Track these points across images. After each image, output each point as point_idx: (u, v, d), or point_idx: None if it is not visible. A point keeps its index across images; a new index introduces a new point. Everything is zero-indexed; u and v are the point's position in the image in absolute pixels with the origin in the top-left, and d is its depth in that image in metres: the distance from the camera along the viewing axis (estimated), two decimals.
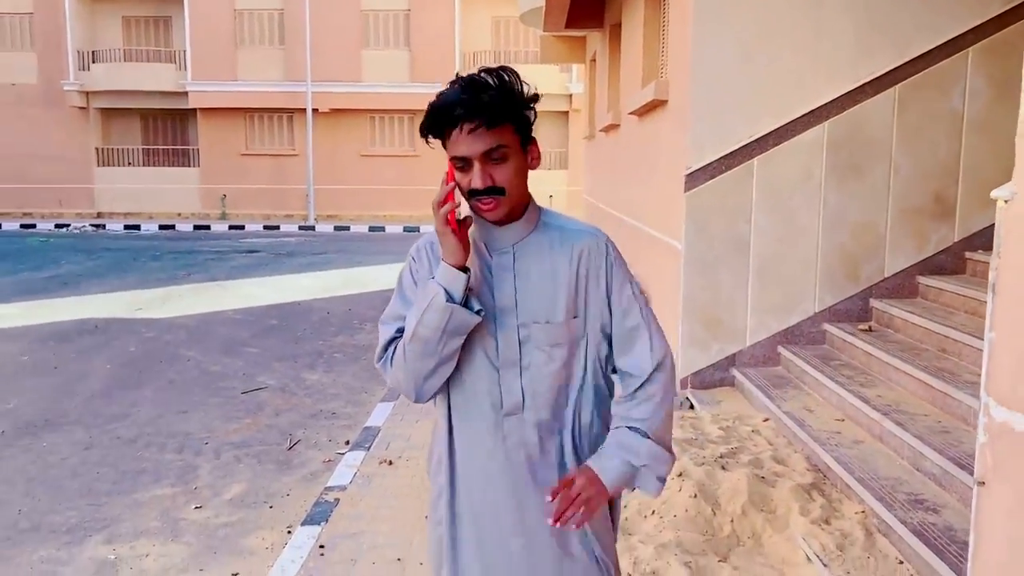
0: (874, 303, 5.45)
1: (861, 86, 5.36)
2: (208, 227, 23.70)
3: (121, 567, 3.80)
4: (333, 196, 25.92)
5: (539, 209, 1.80)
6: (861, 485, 3.60)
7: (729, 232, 5.38)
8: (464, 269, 1.66)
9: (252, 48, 25.76)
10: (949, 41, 5.27)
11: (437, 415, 1.83)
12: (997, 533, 1.89)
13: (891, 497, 3.45)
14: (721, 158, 5.31)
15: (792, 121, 5.34)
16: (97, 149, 26.58)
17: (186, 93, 25.55)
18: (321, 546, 3.72)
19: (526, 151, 1.71)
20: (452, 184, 1.66)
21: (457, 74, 1.70)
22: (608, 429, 1.83)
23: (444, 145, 1.68)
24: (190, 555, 3.91)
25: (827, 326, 5.45)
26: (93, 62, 25.98)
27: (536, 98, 1.71)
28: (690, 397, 5.43)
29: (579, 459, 1.80)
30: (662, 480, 1.79)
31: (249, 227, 23.56)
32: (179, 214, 26.17)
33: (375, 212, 26.02)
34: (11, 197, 26.18)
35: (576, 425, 1.80)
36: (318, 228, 23.54)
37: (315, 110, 24.87)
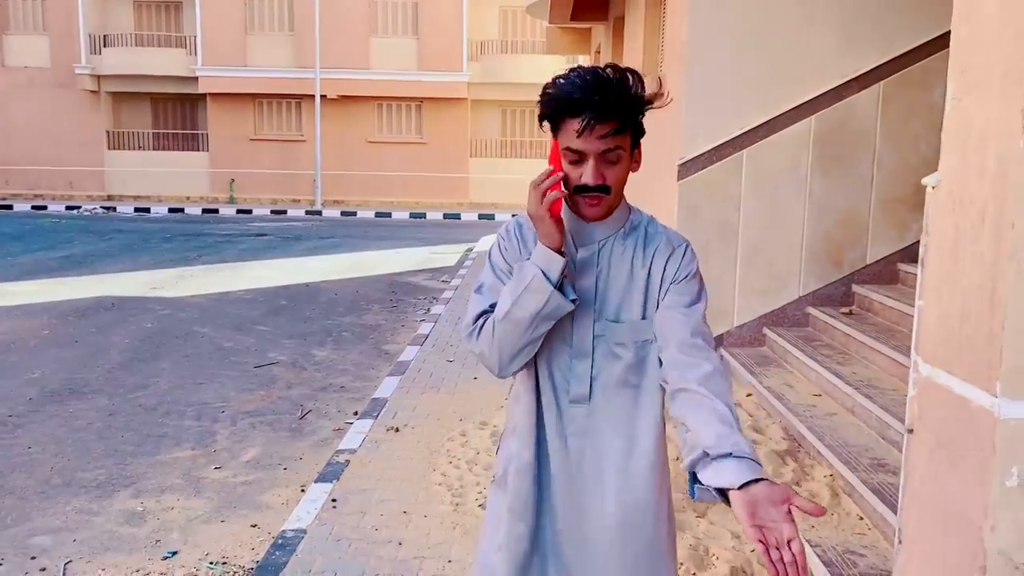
0: (856, 288, 5.75)
1: (847, 82, 5.65)
2: (216, 211, 24.02)
3: (148, 518, 4.12)
4: (340, 182, 26.22)
5: (630, 210, 1.81)
6: (831, 452, 3.91)
7: (719, 219, 5.67)
8: (561, 253, 1.66)
9: (262, 34, 26.03)
10: (931, 40, 5.54)
11: (521, 389, 1.82)
12: (920, 471, 2.20)
13: (856, 462, 3.76)
14: (712, 149, 5.61)
15: (781, 114, 5.63)
16: (108, 132, 26.89)
17: (196, 78, 25.83)
18: (333, 500, 4.05)
19: (632, 154, 1.72)
20: (560, 175, 1.66)
21: (580, 66, 1.68)
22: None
23: (554, 130, 1.68)
24: (212, 508, 4.24)
25: (811, 309, 5.75)
26: (105, 46, 26.26)
27: (651, 102, 1.69)
28: None
29: (639, 467, 1.75)
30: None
31: (257, 211, 23.88)
32: (188, 197, 26.49)
33: (381, 198, 26.31)
34: (23, 179, 26.53)
35: (641, 431, 1.76)
36: (325, 213, 23.84)
37: (323, 96, 25.13)
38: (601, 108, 1.60)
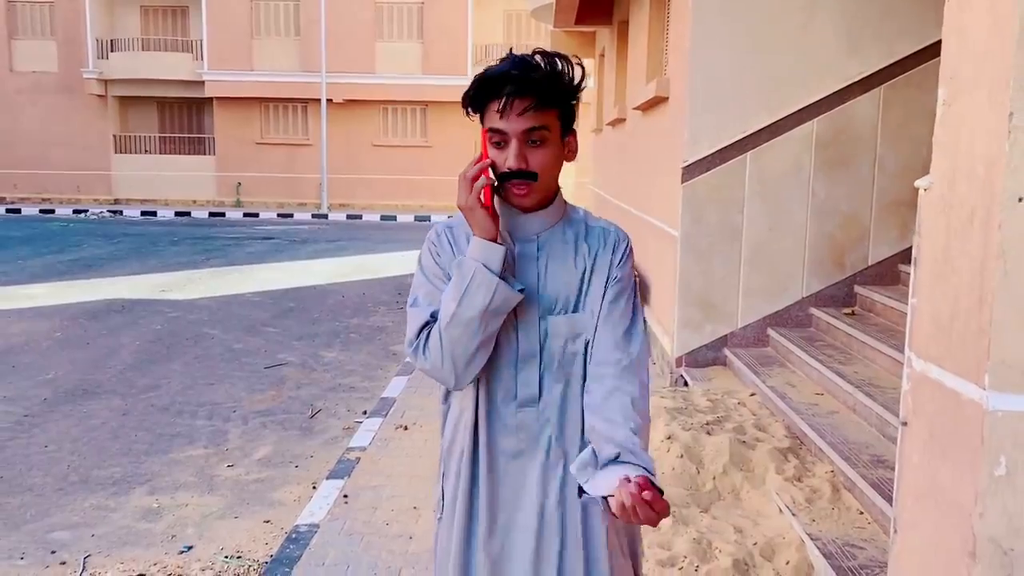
0: (858, 289, 5.83)
1: (849, 86, 5.72)
2: (223, 214, 24.17)
3: (164, 514, 4.22)
4: (346, 185, 26.35)
5: (566, 203, 1.77)
6: (832, 448, 3.99)
7: (723, 221, 5.76)
8: (499, 242, 1.62)
9: (268, 38, 26.18)
10: (931, 45, 5.62)
11: (459, 405, 1.76)
12: (914, 462, 2.29)
13: (856, 458, 3.84)
14: (716, 152, 5.69)
15: (784, 118, 5.71)
16: (115, 136, 27.06)
17: (202, 82, 25.99)
18: (345, 496, 4.14)
19: (564, 141, 1.67)
20: (488, 161, 1.62)
21: (510, 51, 1.68)
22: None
23: (482, 118, 1.64)
24: (225, 505, 4.33)
25: (813, 310, 5.83)
26: (112, 51, 26.44)
27: (582, 87, 1.67)
28: (684, 375, 5.83)
29: (563, 453, 1.73)
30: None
31: (263, 215, 24.02)
32: (194, 201, 26.63)
33: (387, 201, 26.43)
34: (30, 182, 26.72)
35: (566, 418, 1.73)
36: (331, 216, 23.97)
37: (329, 100, 25.26)
38: (519, 82, 1.57)
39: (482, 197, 1.60)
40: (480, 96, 1.62)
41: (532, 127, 1.59)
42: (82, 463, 4.91)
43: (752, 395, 5.14)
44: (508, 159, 1.60)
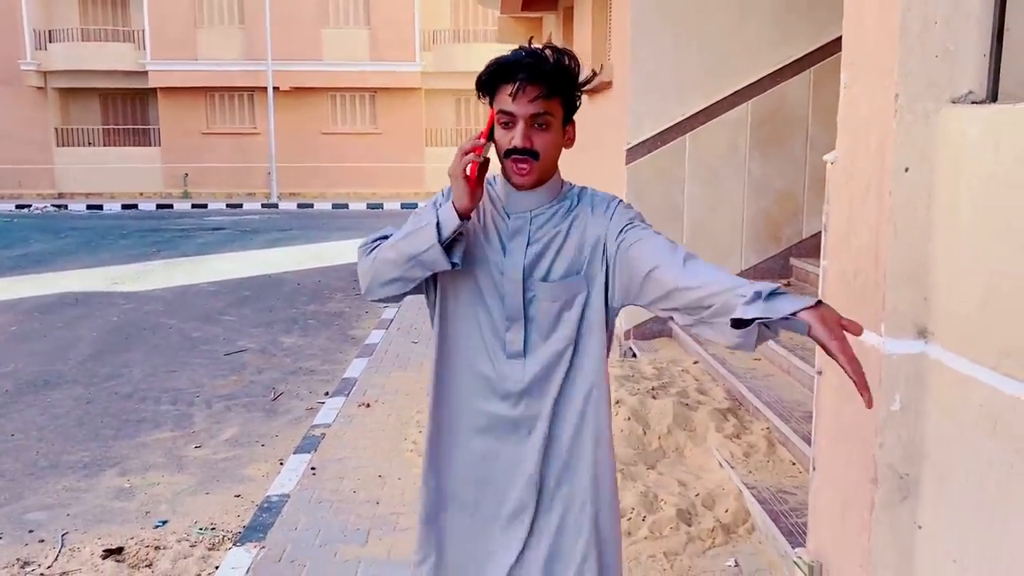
0: (794, 261, 6.17)
1: (781, 68, 6.04)
2: (171, 206, 23.92)
3: (137, 493, 4.38)
4: (295, 174, 26.23)
5: (563, 183, 1.89)
6: (767, 408, 4.30)
7: (665, 200, 6.04)
8: (464, 218, 1.74)
9: (212, 27, 25.89)
10: None
11: (441, 394, 1.94)
12: (828, 407, 2.58)
13: (789, 415, 4.15)
14: (657, 134, 5.97)
15: (720, 100, 6.01)
16: (56, 129, 26.57)
17: (146, 72, 25.63)
18: (312, 468, 4.35)
19: (564, 129, 1.81)
20: (482, 140, 1.76)
21: (521, 46, 1.81)
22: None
23: (491, 100, 1.79)
24: (196, 482, 4.50)
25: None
26: (51, 41, 25.92)
27: (585, 84, 1.84)
28: (632, 347, 6.12)
29: (569, 420, 1.87)
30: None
31: (212, 206, 23.83)
32: (141, 193, 26.28)
33: (338, 189, 26.38)
34: None
35: (578, 387, 1.86)
36: (281, 206, 23.87)
37: (276, 88, 25.11)
38: (533, 71, 1.71)
39: (467, 170, 1.73)
40: (493, 80, 1.76)
41: (539, 112, 1.73)
42: (50, 449, 5.02)
43: (695, 363, 5.45)
44: (515, 138, 1.74)
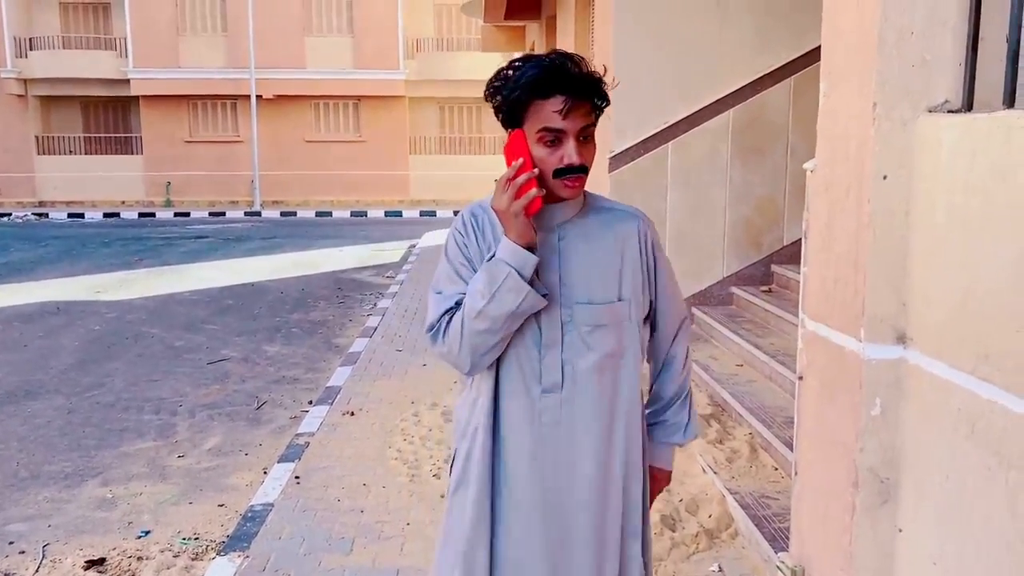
0: (774, 268, 6.22)
1: (761, 77, 6.11)
2: (153, 214, 23.77)
3: (119, 503, 4.35)
4: (279, 182, 26.15)
5: (585, 192, 1.80)
6: (750, 413, 4.34)
7: (648, 207, 6.04)
8: (532, 250, 1.66)
9: (194, 35, 25.80)
10: None
11: (476, 390, 1.83)
12: (809, 410, 2.61)
13: (772, 420, 4.19)
14: (640, 142, 6.02)
15: (701, 109, 6.06)
16: (37, 137, 26.36)
17: (128, 80, 25.49)
18: (297, 477, 4.33)
19: None
20: (536, 171, 1.65)
21: (526, 54, 1.73)
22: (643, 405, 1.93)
23: (518, 119, 1.68)
24: (179, 492, 4.48)
25: (734, 289, 6.20)
26: (31, 49, 25.73)
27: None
28: None
29: (617, 447, 1.83)
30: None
31: (195, 214, 23.69)
32: (123, 202, 26.09)
33: (321, 197, 26.31)
34: None
35: (619, 411, 1.82)
36: (264, 214, 23.77)
37: (259, 96, 25.03)
38: (581, 84, 1.63)
39: (530, 206, 1.64)
40: (533, 93, 1.63)
41: (587, 125, 1.68)
42: (31, 460, 4.98)
43: None
44: (569, 155, 1.64)
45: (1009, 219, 1.77)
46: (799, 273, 5.81)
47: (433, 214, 23.35)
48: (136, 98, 25.93)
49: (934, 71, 2.12)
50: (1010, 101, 1.89)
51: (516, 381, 1.77)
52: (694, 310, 6.20)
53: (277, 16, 25.36)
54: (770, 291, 6.02)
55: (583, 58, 1.70)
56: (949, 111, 2.11)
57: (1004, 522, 1.81)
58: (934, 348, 2.07)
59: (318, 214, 23.82)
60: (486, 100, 1.72)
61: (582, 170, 1.67)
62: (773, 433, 4.01)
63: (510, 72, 1.68)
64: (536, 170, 1.64)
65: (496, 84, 1.69)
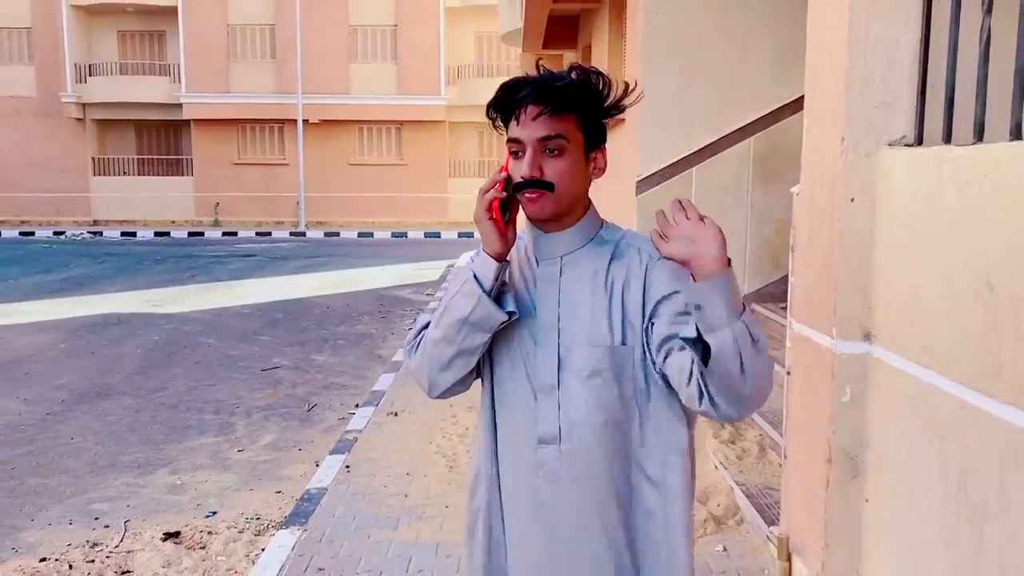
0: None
1: (781, 107, 6.49)
2: (202, 233, 24.67)
3: (187, 489, 4.85)
4: (323, 203, 26.98)
5: (602, 223, 1.65)
6: (760, 416, 4.71)
7: None
8: (501, 260, 1.53)
9: (244, 61, 26.83)
10: None
11: (480, 434, 1.71)
12: (795, 402, 3.00)
13: (780, 423, 4.55)
14: (666, 167, 6.43)
15: (724, 136, 6.46)
16: (93, 159, 27.53)
17: (180, 105, 26.57)
18: (347, 466, 4.80)
19: (589, 156, 1.57)
20: (503, 175, 1.54)
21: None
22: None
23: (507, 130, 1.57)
24: (240, 480, 4.97)
25: (755, 306, 6.57)
26: (90, 75, 26.96)
27: (615, 104, 1.58)
28: None
29: (632, 526, 1.59)
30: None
31: (242, 233, 24.55)
32: (173, 221, 27.11)
33: (364, 218, 27.07)
34: (9, 205, 27.07)
35: (632, 475, 1.58)
36: (309, 234, 24.55)
37: (305, 121, 25.93)
38: (535, 86, 1.49)
39: (491, 209, 1.53)
40: (501, 104, 1.54)
41: (548, 135, 1.50)
42: (107, 451, 5.51)
43: None
44: (523, 168, 1.51)
45: (942, 234, 2.17)
46: None
47: (470, 235, 23.90)
48: (187, 121, 27.00)
49: (893, 111, 2.53)
50: (946, 137, 2.30)
51: (513, 428, 1.63)
52: None
53: (324, 44, 26.30)
54: (786, 307, 6.38)
55: (587, 70, 1.55)
56: (906, 145, 2.52)
57: (937, 485, 2.19)
58: (891, 342, 2.46)
59: (360, 235, 24.53)
60: (493, 128, 1.62)
61: (540, 185, 1.51)
62: (779, 433, 4.38)
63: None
64: (504, 174, 1.54)
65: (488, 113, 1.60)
